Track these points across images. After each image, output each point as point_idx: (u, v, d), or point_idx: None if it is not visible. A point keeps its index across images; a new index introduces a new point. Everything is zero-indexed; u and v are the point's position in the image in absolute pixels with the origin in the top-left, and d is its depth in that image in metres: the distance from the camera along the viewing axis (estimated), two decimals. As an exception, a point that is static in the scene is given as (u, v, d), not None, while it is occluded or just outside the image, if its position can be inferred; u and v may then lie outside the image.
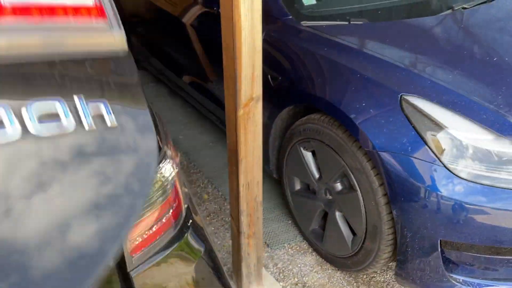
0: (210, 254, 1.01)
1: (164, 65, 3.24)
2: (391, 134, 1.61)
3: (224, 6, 1.32)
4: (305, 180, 2.06)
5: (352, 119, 1.69)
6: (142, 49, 3.51)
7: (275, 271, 2.03)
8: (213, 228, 2.26)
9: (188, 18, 2.74)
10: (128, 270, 0.83)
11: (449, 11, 2.20)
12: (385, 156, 1.60)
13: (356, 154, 1.71)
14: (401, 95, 1.63)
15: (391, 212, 1.65)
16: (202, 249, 0.98)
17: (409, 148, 1.57)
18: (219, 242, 2.19)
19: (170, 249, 0.90)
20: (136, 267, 0.84)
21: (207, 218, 2.33)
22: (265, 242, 2.18)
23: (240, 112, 1.44)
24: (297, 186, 2.14)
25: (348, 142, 1.74)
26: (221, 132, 2.71)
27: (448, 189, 1.56)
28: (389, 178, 1.60)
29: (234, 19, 1.30)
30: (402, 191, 1.59)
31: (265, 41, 2.12)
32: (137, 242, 0.84)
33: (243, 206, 1.63)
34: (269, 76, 2.07)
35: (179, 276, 0.93)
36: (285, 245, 2.16)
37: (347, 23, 2.06)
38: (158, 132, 0.96)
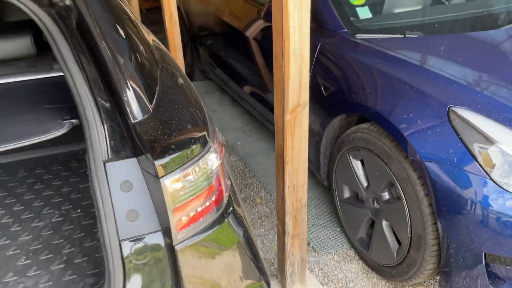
0: (248, 241, 1.12)
1: (228, 75, 3.44)
2: (437, 145, 1.63)
3: (275, 20, 1.44)
4: (354, 188, 2.11)
5: (399, 129, 1.73)
6: (209, 60, 3.75)
7: (320, 275, 2.09)
8: (263, 230, 2.37)
9: (251, 32, 2.91)
10: (174, 244, 0.97)
11: (510, 25, 2.15)
12: (431, 166, 1.62)
13: (403, 163, 1.74)
14: (449, 107, 1.65)
15: (436, 223, 1.66)
16: (240, 235, 1.09)
17: (455, 159, 1.58)
18: (268, 243, 2.29)
19: (211, 230, 1.02)
20: (180, 242, 0.97)
21: (258, 220, 2.45)
22: (312, 247, 2.24)
23: (287, 117, 1.55)
24: (346, 194, 2.19)
25: (395, 152, 1.77)
26: (277, 140, 2.82)
27: (498, 204, 1.54)
28: (435, 189, 1.62)
29: (284, 32, 1.41)
30: (447, 202, 1.59)
31: (320, 52, 2.23)
32: (182, 221, 0.97)
33: (288, 207, 1.72)
34: (322, 86, 2.16)
35: (218, 256, 1.05)
36: (332, 251, 2.21)
37: (401, 36, 2.10)
38: (207, 129, 1.10)
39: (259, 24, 2.81)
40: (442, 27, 2.26)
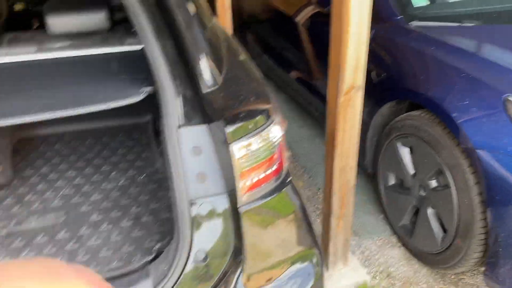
0: (303, 211, 1.18)
1: (274, 61, 3.48)
2: (492, 133, 1.62)
3: (335, 2, 1.48)
4: (400, 175, 2.12)
5: (452, 117, 1.72)
6: (255, 46, 3.80)
7: (361, 258, 2.12)
8: (305, 212, 2.42)
9: (301, 18, 2.93)
10: (238, 206, 1.03)
11: None
12: (484, 154, 1.62)
13: (454, 151, 1.74)
14: (506, 96, 1.63)
15: (484, 211, 1.66)
16: (296, 204, 1.15)
17: (509, 148, 1.57)
18: (310, 225, 2.34)
19: (270, 197, 1.08)
20: (243, 205, 1.04)
21: (301, 203, 2.50)
22: (354, 231, 2.27)
23: (341, 99, 1.58)
24: (391, 181, 2.20)
25: (446, 139, 1.77)
26: (320, 127, 2.85)
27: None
28: (486, 177, 1.61)
29: (343, 14, 1.45)
30: (499, 191, 1.59)
31: (373, 40, 2.23)
32: (246, 185, 1.04)
33: (335, 188, 1.76)
34: (372, 73, 2.17)
35: (275, 222, 1.11)
36: (374, 236, 2.24)
37: (457, 24, 2.08)
38: (270, 102, 1.16)
39: (310, 10, 2.83)
40: (499, 17, 2.22)
